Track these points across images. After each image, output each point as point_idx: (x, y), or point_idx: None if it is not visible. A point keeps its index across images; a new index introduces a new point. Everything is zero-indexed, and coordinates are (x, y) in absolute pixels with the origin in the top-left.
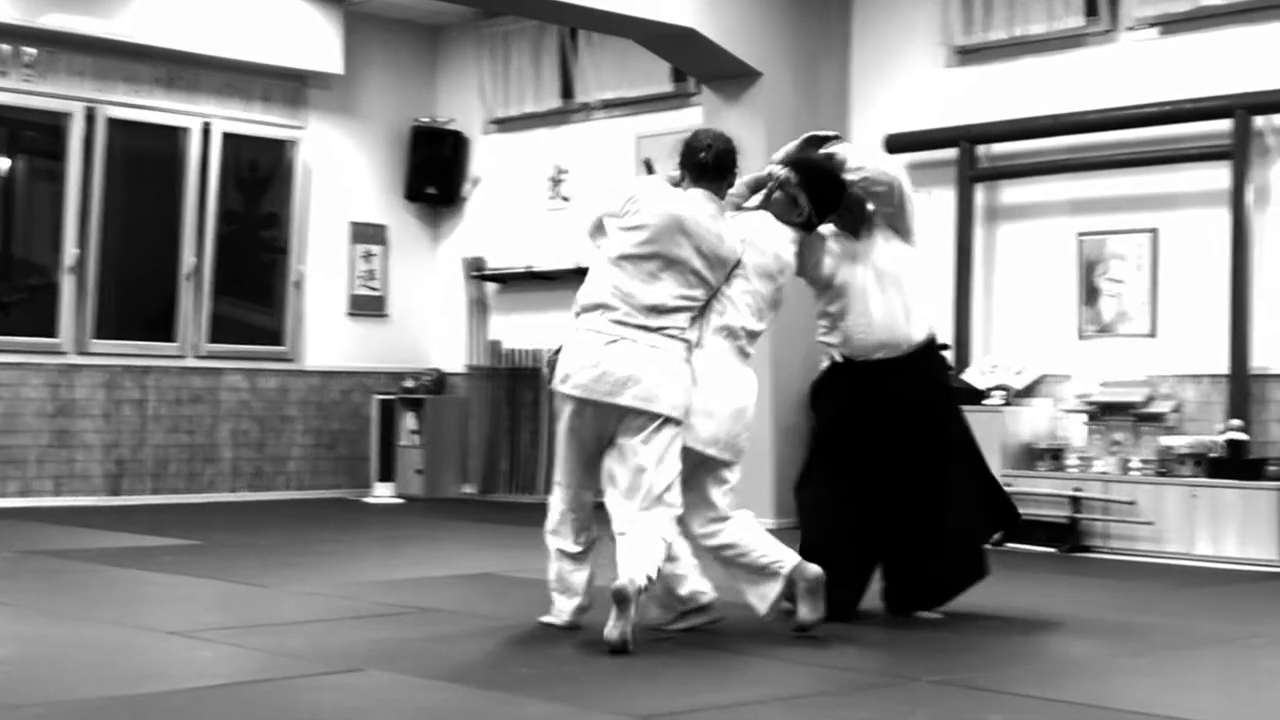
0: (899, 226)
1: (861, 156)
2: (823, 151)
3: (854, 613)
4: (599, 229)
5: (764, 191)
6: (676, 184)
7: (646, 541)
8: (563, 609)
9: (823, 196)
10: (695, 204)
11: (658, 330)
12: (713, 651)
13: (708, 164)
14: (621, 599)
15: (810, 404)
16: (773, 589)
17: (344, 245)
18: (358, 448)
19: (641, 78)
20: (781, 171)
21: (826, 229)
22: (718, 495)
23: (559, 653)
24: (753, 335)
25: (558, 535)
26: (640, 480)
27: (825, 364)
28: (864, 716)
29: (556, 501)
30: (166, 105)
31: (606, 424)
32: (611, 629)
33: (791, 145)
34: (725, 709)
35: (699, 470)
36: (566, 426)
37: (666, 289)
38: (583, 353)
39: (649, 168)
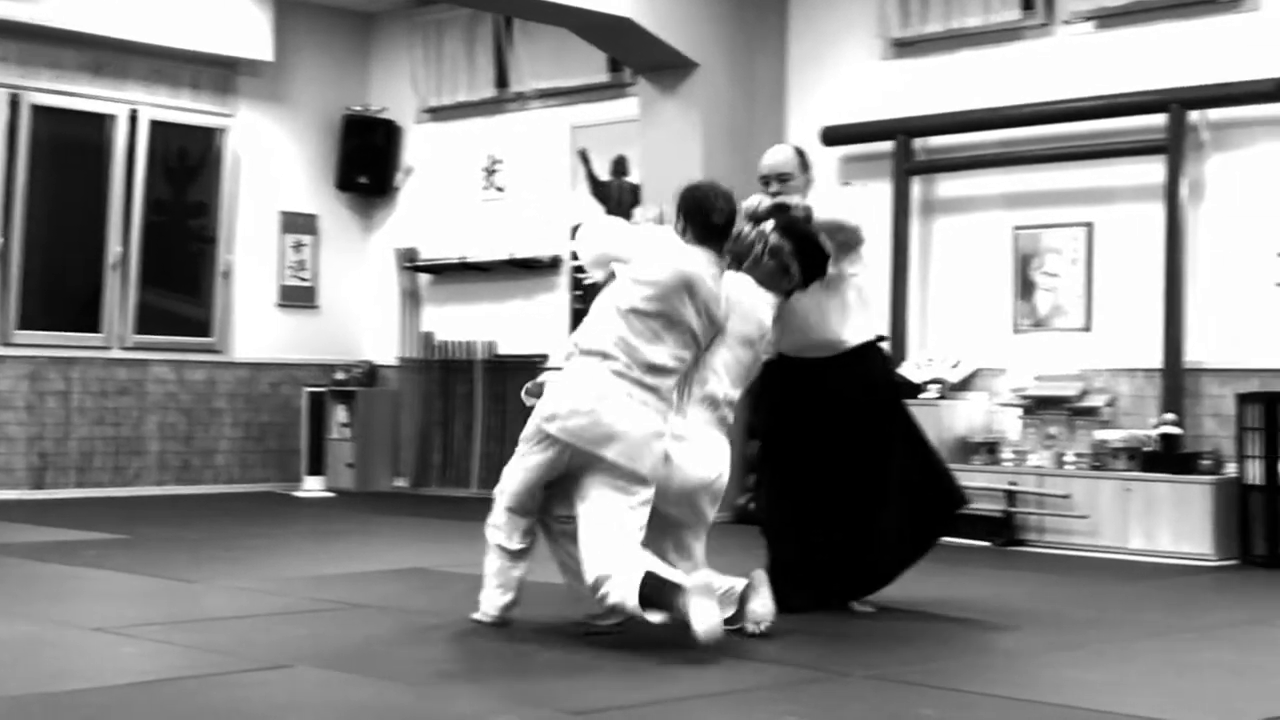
0: (848, 251)
1: (826, 206)
2: (799, 204)
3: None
4: (603, 264)
5: (752, 255)
6: (677, 233)
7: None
8: (493, 604)
9: (812, 264)
10: (702, 264)
11: (652, 390)
12: (647, 648)
13: (719, 226)
14: (707, 589)
15: (752, 401)
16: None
17: (274, 235)
18: (287, 440)
19: (577, 67)
20: (775, 238)
21: None
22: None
23: (491, 648)
24: (732, 404)
25: (499, 531)
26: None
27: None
28: (797, 711)
29: (504, 501)
30: (93, 92)
31: (582, 463)
32: (708, 620)
33: (762, 205)
34: (657, 704)
35: (665, 531)
36: (541, 459)
37: (667, 349)
38: (576, 397)
39: (584, 158)
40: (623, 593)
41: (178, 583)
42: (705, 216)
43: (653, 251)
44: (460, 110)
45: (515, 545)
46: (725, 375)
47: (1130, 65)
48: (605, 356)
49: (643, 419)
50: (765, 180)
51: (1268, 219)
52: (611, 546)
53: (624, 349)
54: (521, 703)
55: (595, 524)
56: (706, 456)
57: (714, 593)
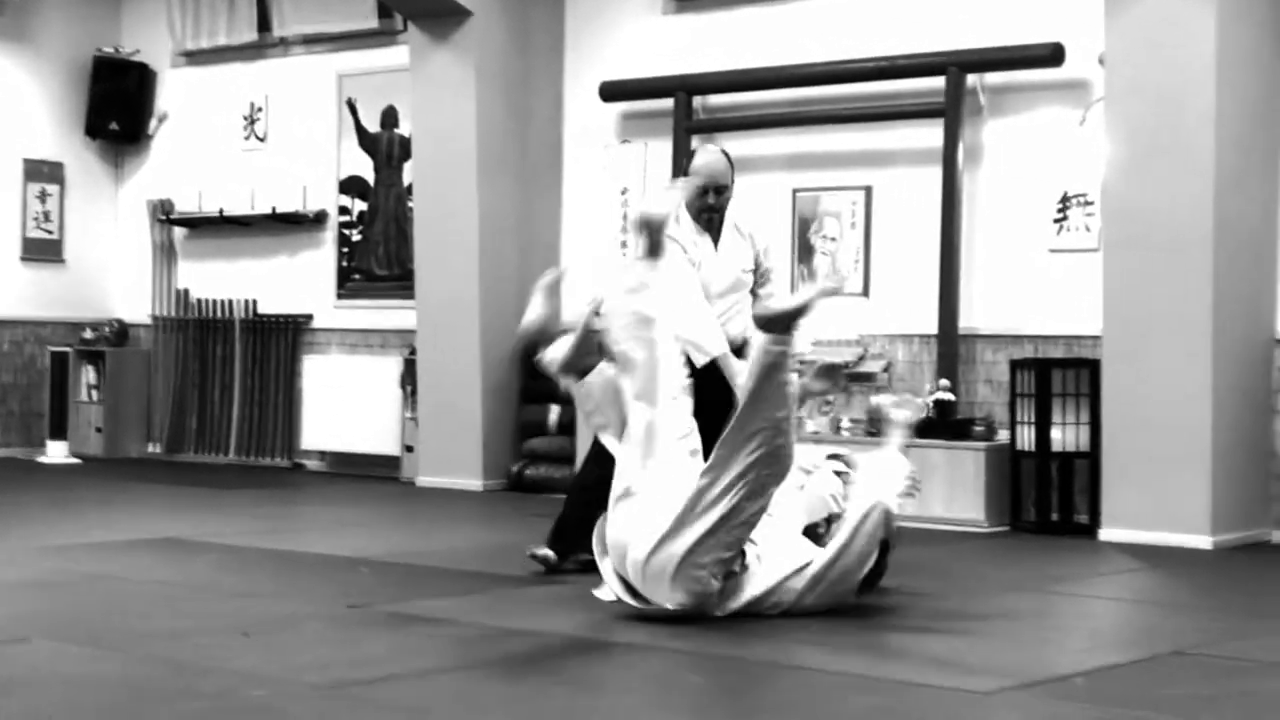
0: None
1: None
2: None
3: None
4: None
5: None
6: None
7: None
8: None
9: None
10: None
11: None
12: (414, 620)
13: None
14: None
15: None
16: None
17: (16, 184)
18: (30, 404)
19: (344, 13)
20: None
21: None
22: None
23: (244, 620)
24: None
25: None
26: None
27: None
28: (553, 681)
29: None
30: None
31: None
32: None
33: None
34: (414, 677)
35: None
36: None
37: None
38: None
39: (351, 108)
40: None
41: None
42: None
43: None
44: (219, 54)
45: None
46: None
47: (911, 27)
48: None
49: None
50: (704, 190)
51: (1044, 184)
52: None
53: None
54: (269, 678)
55: None
56: None
57: None
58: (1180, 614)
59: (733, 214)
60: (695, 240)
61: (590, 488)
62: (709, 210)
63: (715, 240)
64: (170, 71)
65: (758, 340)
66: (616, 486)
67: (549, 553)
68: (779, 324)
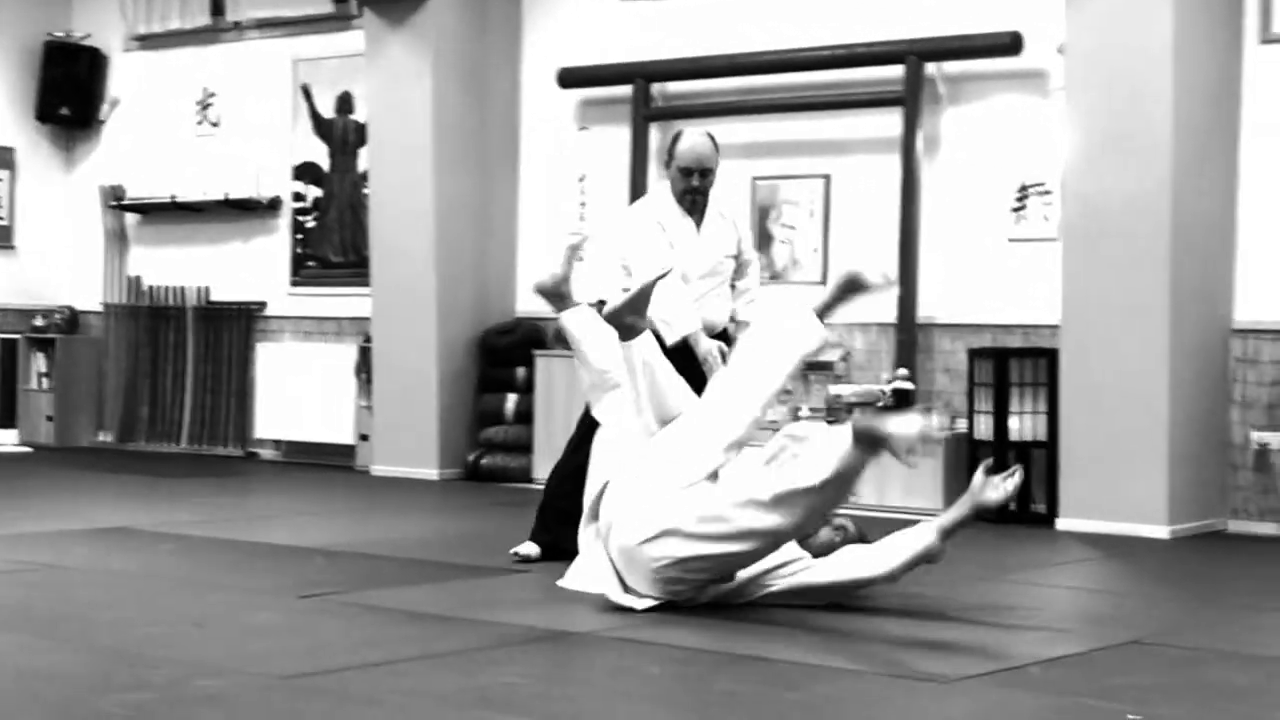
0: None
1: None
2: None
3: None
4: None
5: None
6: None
7: None
8: None
9: None
10: None
11: None
12: (369, 610)
13: None
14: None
15: None
16: None
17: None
18: None
19: None
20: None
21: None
22: None
23: (194, 612)
24: None
25: None
26: None
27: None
28: (511, 672)
29: None
30: None
31: None
32: None
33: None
34: (370, 667)
35: None
36: None
37: None
38: None
39: (306, 93)
40: None
41: None
42: None
43: None
44: (172, 39)
45: None
46: None
47: (870, 15)
48: None
49: None
50: (688, 172)
51: (1001, 174)
52: None
53: None
54: (221, 671)
55: None
56: None
57: None
58: (1137, 603)
59: (717, 199)
60: (677, 222)
61: (570, 477)
62: (693, 192)
63: (698, 224)
64: (122, 56)
65: (848, 438)
66: (632, 460)
67: (532, 551)
68: (873, 441)
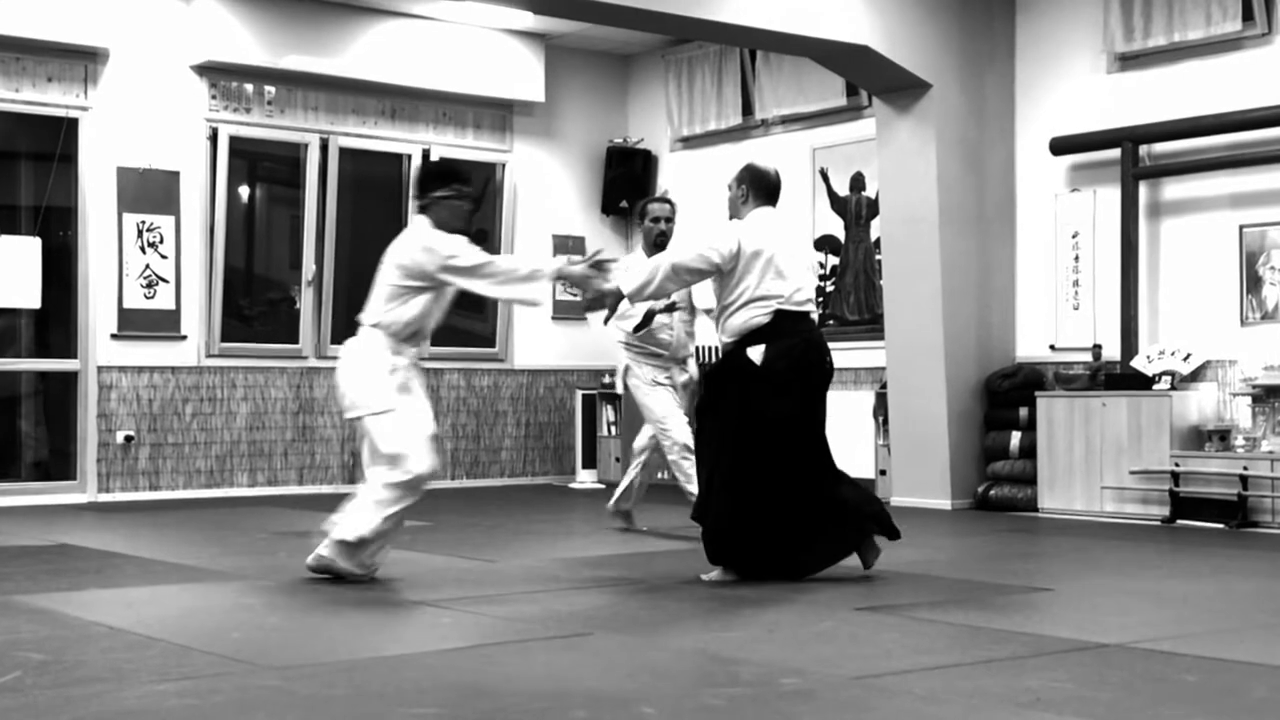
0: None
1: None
2: None
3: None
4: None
5: None
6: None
7: None
8: None
9: None
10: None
11: None
12: (919, 621)
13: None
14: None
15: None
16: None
17: (547, 256)
18: (562, 438)
19: (817, 94)
20: None
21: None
22: None
23: (765, 619)
24: None
25: None
26: None
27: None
28: (1058, 676)
29: None
30: (390, 134)
31: None
32: None
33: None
34: (928, 670)
35: None
36: None
37: None
38: None
39: (824, 176)
40: None
41: (480, 562)
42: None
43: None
44: (710, 138)
45: None
46: None
47: None
48: None
49: None
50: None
51: None
52: None
53: None
54: (804, 669)
55: None
56: None
57: None
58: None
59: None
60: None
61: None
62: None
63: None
64: (669, 155)
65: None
66: None
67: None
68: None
